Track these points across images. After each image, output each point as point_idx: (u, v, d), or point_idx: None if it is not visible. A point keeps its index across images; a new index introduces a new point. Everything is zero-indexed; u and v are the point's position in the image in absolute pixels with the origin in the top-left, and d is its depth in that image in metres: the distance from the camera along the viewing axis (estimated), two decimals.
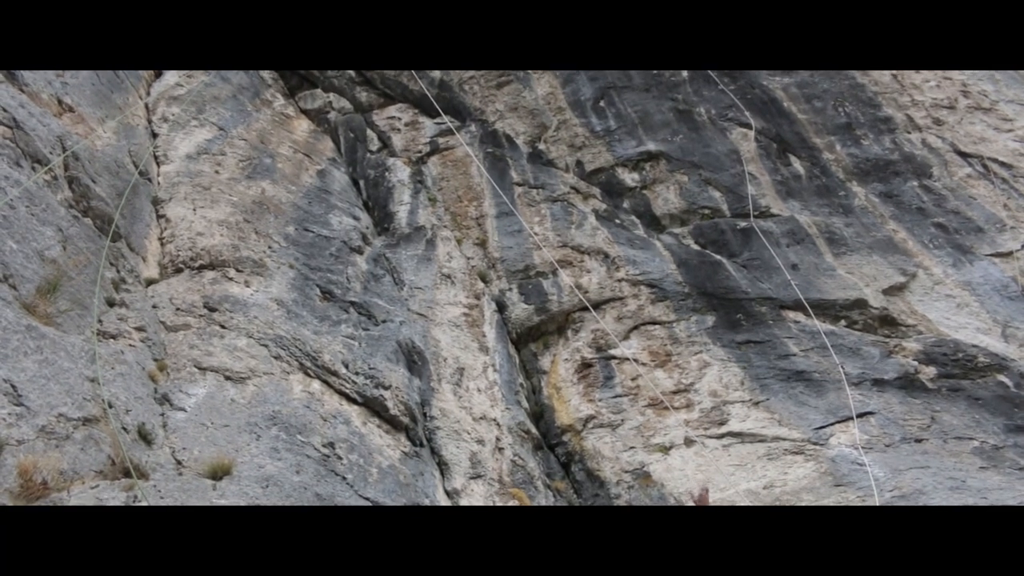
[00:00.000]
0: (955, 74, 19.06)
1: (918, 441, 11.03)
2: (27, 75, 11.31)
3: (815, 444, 11.01)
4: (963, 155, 17.57)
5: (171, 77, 16.46)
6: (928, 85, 19.00)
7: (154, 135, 14.37)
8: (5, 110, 9.83)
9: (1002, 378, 12.12)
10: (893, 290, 14.42)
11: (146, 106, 15.20)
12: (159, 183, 13.07)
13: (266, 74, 19.98)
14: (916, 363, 12.51)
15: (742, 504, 10.36)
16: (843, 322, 13.53)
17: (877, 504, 9.70)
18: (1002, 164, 17.34)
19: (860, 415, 11.43)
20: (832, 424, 11.34)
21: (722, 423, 11.71)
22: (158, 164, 13.60)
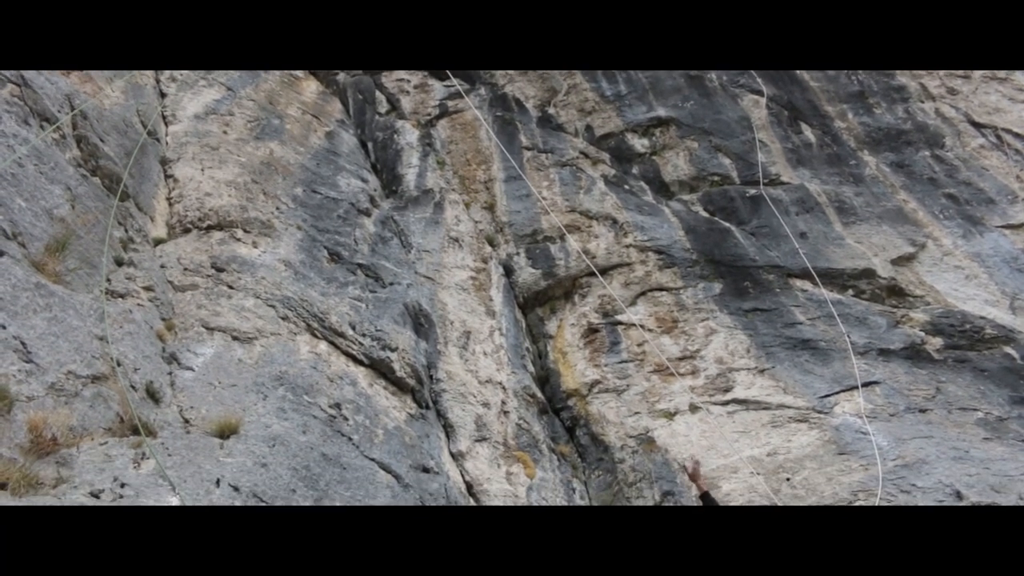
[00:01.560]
0: None
1: (922, 411, 11.06)
2: None
3: (819, 412, 11.05)
4: (977, 125, 17.47)
5: None
6: None
7: (162, 95, 14.31)
8: None
9: (1009, 350, 12.12)
10: (902, 260, 14.40)
11: None
12: (167, 143, 13.05)
13: None
14: (923, 333, 12.51)
15: (745, 471, 10.43)
16: (851, 291, 13.51)
17: (880, 473, 9.77)
18: (1016, 135, 17.23)
19: (865, 384, 11.44)
20: (837, 393, 11.36)
21: (727, 390, 11.74)
22: (166, 124, 13.57)
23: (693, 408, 11.59)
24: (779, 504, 9.85)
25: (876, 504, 9.39)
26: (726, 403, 11.58)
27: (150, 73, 14.60)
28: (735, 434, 11.05)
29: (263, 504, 7.08)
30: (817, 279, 13.40)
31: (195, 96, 14.59)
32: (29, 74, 10.01)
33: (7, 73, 9.62)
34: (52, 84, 10.47)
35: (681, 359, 12.35)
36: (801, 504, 9.79)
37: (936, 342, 12.32)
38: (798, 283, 13.46)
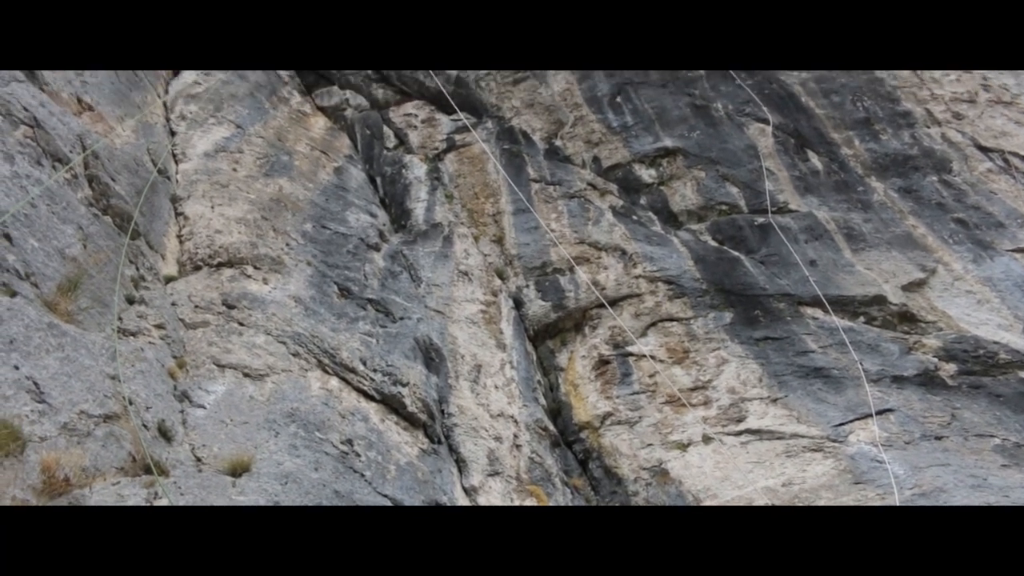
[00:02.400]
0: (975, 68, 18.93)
1: (938, 439, 10.96)
2: (47, 74, 11.39)
3: (834, 441, 10.96)
4: (984, 149, 17.44)
5: (189, 75, 16.53)
6: (948, 79, 18.87)
7: (172, 133, 14.44)
8: (26, 109, 9.90)
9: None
10: (912, 286, 14.33)
11: (164, 104, 15.27)
12: (178, 181, 13.14)
13: (283, 72, 20.05)
14: (936, 360, 12.42)
15: (760, 502, 10.34)
16: (862, 318, 13.45)
17: (897, 502, 9.67)
18: (1023, 159, 17.20)
19: (879, 412, 11.36)
20: (851, 421, 11.28)
21: (740, 420, 11.67)
22: (176, 162, 13.67)
23: (706, 439, 11.52)
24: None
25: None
26: (739, 433, 11.50)
27: (160, 111, 14.75)
28: (749, 465, 10.97)
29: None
30: (828, 306, 13.35)
31: (205, 134, 14.71)
32: (42, 115, 10.12)
33: (20, 115, 9.72)
34: (64, 125, 10.57)
35: (693, 390, 12.29)
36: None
37: (950, 368, 12.23)
38: (809, 311, 13.41)
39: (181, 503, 6.86)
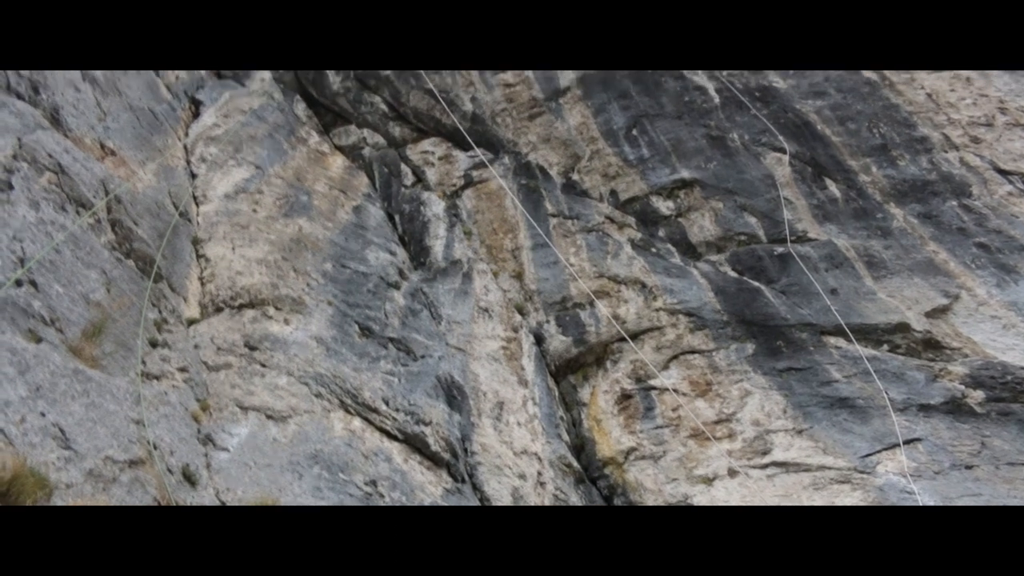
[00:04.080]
0: (991, 91, 18.87)
1: (968, 468, 10.81)
2: (71, 120, 11.56)
3: (862, 472, 10.83)
4: (1003, 173, 17.34)
5: (208, 118, 16.73)
6: (964, 103, 18.82)
7: (193, 175, 14.59)
8: (51, 156, 10.03)
9: None
10: (936, 313, 14.20)
11: (184, 147, 15.45)
12: (198, 223, 13.25)
13: (301, 112, 20.26)
14: (963, 387, 12.28)
15: None
16: (886, 346, 13.34)
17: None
18: None
19: (907, 442, 11.23)
20: (879, 451, 11.15)
21: (766, 453, 11.57)
22: (197, 204, 13.79)
23: (732, 472, 11.42)
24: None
25: None
26: (765, 466, 11.40)
27: (180, 154, 14.92)
28: (776, 498, 10.85)
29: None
30: (851, 335, 13.25)
31: (225, 175, 14.85)
32: (66, 161, 10.25)
33: (45, 161, 9.85)
34: (87, 170, 10.70)
35: (717, 422, 12.20)
36: None
37: (977, 395, 12.08)
38: (832, 340, 13.31)
39: None
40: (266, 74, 21.23)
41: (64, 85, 12.12)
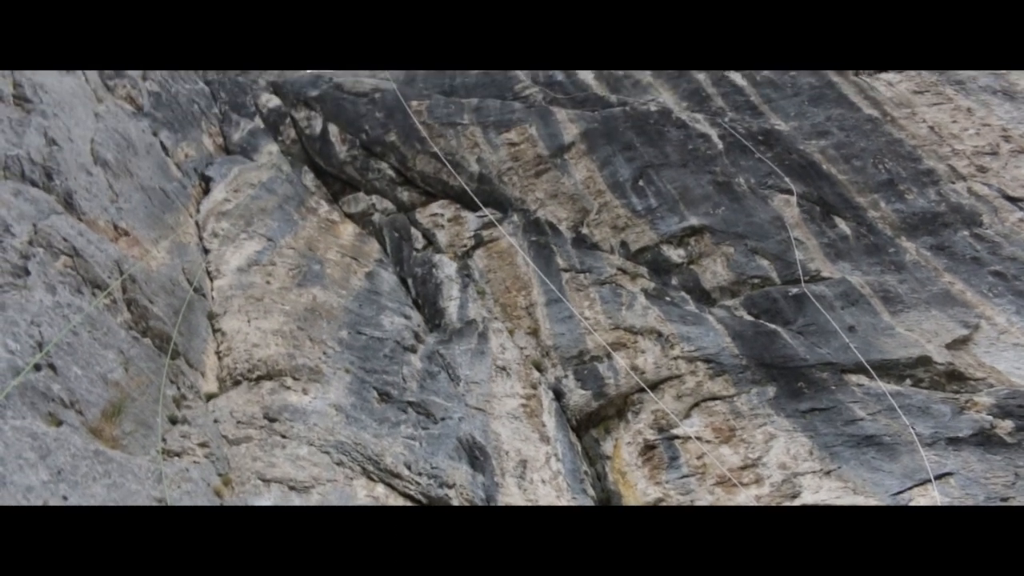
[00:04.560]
0: (993, 120, 18.94)
1: (1004, 500, 10.61)
2: (84, 203, 11.73)
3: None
4: (1012, 200, 17.31)
5: (219, 193, 16.95)
6: (967, 133, 18.88)
7: (206, 251, 14.73)
8: (66, 239, 10.17)
9: None
10: (957, 344, 14.07)
11: (196, 223, 15.63)
12: (213, 297, 13.34)
13: (309, 182, 20.51)
14: (991, 417, 12.11)
15: None
16: (908, 381, 13.20)
17: None
18: None
19: (938, 477, 11.05)
20: (910, 488, 10.97)
21: (795, 496, 11.40)
22: (211, 279, 13.91)
23: None
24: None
25: None
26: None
27: (193, 231, 15.09)
28: None
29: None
30: (872, 372, 13.13)
31: (237, 249, 14.99)
32: (80, 244, 10.38)
33: (60, 245, 9.97)
34: (102, 251, 10.83)
35: (743, 468, 12.05)
36: None
37: (1006, 425, 11.91)
38: (853, 378, 13.19)
39: None
40: (273, 147, 21.56)
41: (76, 169, 12.33)
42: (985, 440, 11.74)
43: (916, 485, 11.00)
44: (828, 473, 11.56)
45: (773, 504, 11.38)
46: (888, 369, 13.37)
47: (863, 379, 13.18)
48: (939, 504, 10.58)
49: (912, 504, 10.75)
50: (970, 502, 10.58)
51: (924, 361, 13.41)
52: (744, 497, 11.57)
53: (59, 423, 7.66)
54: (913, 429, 11.94)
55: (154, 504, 7.84)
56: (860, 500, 10.95)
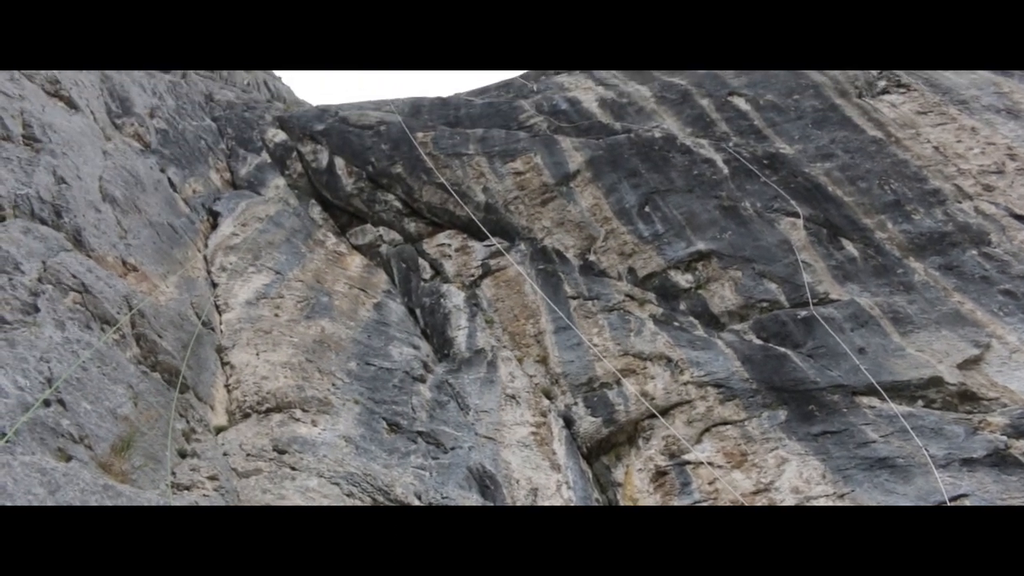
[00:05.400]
0: (998, 139, 18.96)
1: None
2: (93, 240, 11.82)
3: None
4: (1020, 218, 17.28)
5: (227, 228, 17.05)
6: (972, 153, 18.90)
7: (214, 285, 14.80)
8: (75, 276, 10.24)
9: None
10: (968, 364, 13.98)
11: (204, 258, 15.72)
12: (222, 331, 13.39)
13: (316, 215, 20.62)
14: (1005, 437, 12.01)
15: None
16: (920, 402, 13.12)
17: None
18: None
19: (953, 499, 10.95)
20: None
21: None
22: (220, 313, 13.96)
23: None
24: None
25: None
26: None
27: (201, 265, 15.17)
28: None
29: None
30: (884, 394, 13.06)
31: (245, 283, 15.05)
32: (89, 280, 10.46)
33: (69, 282, 10.05)
34: (111, 287, 10.89)
35: (756, 493, 11.97)
36: None
37: (1021, 445, 11.81)
38: (865, 400, 13.11)
39: None
40: (280, 181, 21.69)
41: (85, 207, 12.44)
42: (1000, 460, 11.64)
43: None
44: (842, 496, 11.46)
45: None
46: (899, 390, 13.30)
47: (875, 401, 13.10)
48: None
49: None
50: None
51: (936, 382, 13.34)
52: None
53: (68, 458, 7.67)
54: (927, 451, 11.85)
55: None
56: None
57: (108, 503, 7.57)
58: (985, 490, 11.10)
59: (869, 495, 11.36)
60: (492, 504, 11.26)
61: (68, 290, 9.93)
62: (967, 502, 10.89)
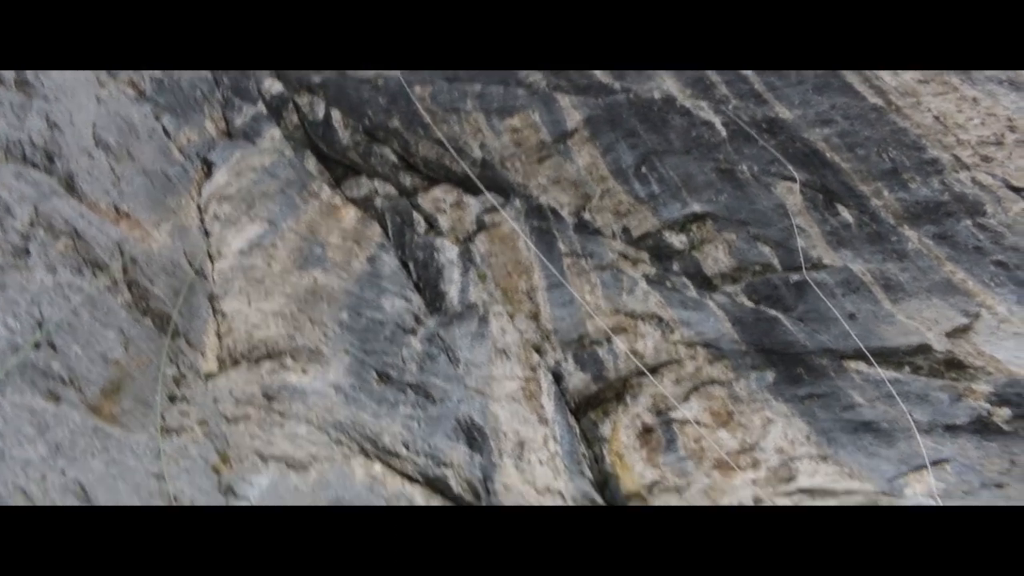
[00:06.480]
0: (999, 110, 18.88)
1: (999, 487, 10.65)
2: (86, 186, 11.77)
3: (889, 496, 10.70)
4: (1016, 190, 17.26)
5: (221, 177, 16.96)
6: (972, 123, 18.83)
7: (207, 234, 14.76)
8: (67, 221, 10.23)
9: None
10: (957, 332, 14.05)
11: (198, 207, 15.65)
12: (214, 279, 13.38)
13: (312, 167, 20.50)
14: (988, 405, 12.13)
15: None
16: (907, 368, 13.20)
17: None
18: None
19: (934, 463, 11.09)
20: (905, 474, 11.02)
21: (791, 480, 11.44)
22: (212, 261, 13.94)
23: (757, 501, 11.29)
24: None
25: None
26: (791, 493, 11.27)
27: (194, 214, 15.11)
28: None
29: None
30: (871, 359, 13.14)
31: (239, 232, 15.01)
32: (81, 226, 10.44)
33: (61, 227, 10.03)
34: (103, 233, 10.88)
35: (740, 452, 12.09)
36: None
37: (1004, 413, 11.93)
38: (852, 365, 13.20)
39: None
40: (276, 132, 21.53)
41: (78, 153, 12.37)
42: (982, 428, 11.76)
43: (912, 471, 11.05)
44: (825, 458, 11.59)
45: (770, 489, 11.43)
46: (887, 356, 13.38)
47: (862, 366, 13.19)
48: (934, 492, 10.62)
49: (907, 490, 10.79)
50: (965, 488, 10.62)
51: (924, 349, 13.42)
52: (741, 480, 11.61)
53: (58, 400, 7.73)
54: (911, 416, 11.96)
55: (152, 477, 7.91)
56: (856, 485, 10.99)
57: (97, 444, 7.65)
58: (966, 456, 11.23)
59: (852, 457, 11.49)
60: (480, 456, 11.36)
61: (60, 235, 9.93)
62: (947, 467, 11.03)
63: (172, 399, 9.66)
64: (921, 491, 10.67)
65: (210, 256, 14.05)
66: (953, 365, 13.25)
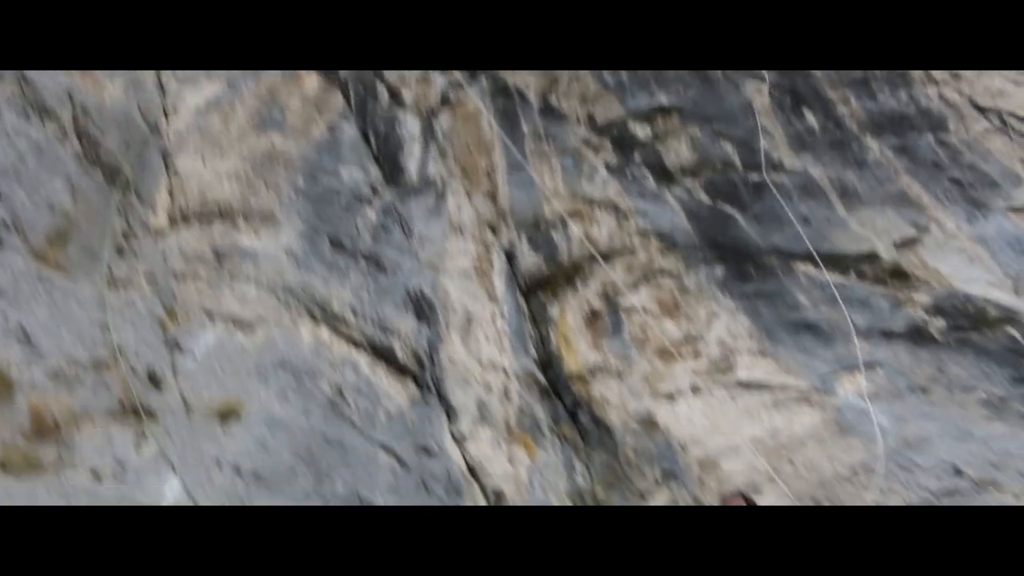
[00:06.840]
0: None
1: (924, 391, 11.07)
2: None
3: (821, 392, 11.07)
4: (980, 109, 17.35)
5: None
6: None
7: (163, 89, 14.35)
8: None
9: (1011, 331, 12.07)
10: (905, 243, 14.31)
11: None
12: (169, 136, 13.09)
13: None
14: (926, 315, 12.49)
15: (747, 451, 10.45)
16: (853, 274, 13.46)
17: (882, 452, 9.81)
18: (1020, 119, 17.12)
19: (868, 365, 11.45)
20: (838, 373, 11.40)
21: (728, 371, 11.77)
22: (167, 117, 13.60)
23: (695, 390, 11.61)
24: (782, 486, 9.87)
25: (878, 482, 9.44)
26: (728, 385, 11.60)
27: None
28: (737, 415, 11.07)
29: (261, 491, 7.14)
30: (820, 262, 13.36)
31: (196, 90, 14.60)
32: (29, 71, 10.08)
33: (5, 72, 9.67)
34: (52, 80, 10.53)
35: (684, 342, 12.35)
36: (803, 481, 9.84)
37: (939, 324, 12.30)
38: (801, 266, 13.44)
39: (169, 446, 6.94)
40: None
41: None
42: (917, 336, 12.14)
43: (845, 371, 11.42)
44: (764, 353, 11.91)
45: (708, 379, 11.75)
46: (836, 261, 13.60)
47: (810, 268, 13.42)
48: (864, 392, 10.99)
49: (839, 389, 11.17)
50: (892, 391, 11.04)
51: (872, 257, 13.67)
52: (681, 369, 11.91)
53: (1, 244, 7.62)
54: (851, 319, 12.26)
55: (97, 327, 7.91)
56: (790, 380, 11.36)
57: (42, 290, 7.62)
58: (898, 361, 11.63)
59: (789, 354, 11.83)
60: (427, 328, 11.48)
61: (4, 77, 9.60)
62: (879, 370, 11.41)
63: (120, 252, 9.56)
64: (851, 390, 11.05)
65: (165, 112, 13.70)
66: (898, 274, 13.54)
